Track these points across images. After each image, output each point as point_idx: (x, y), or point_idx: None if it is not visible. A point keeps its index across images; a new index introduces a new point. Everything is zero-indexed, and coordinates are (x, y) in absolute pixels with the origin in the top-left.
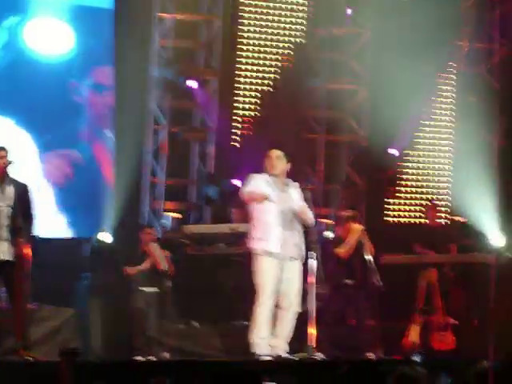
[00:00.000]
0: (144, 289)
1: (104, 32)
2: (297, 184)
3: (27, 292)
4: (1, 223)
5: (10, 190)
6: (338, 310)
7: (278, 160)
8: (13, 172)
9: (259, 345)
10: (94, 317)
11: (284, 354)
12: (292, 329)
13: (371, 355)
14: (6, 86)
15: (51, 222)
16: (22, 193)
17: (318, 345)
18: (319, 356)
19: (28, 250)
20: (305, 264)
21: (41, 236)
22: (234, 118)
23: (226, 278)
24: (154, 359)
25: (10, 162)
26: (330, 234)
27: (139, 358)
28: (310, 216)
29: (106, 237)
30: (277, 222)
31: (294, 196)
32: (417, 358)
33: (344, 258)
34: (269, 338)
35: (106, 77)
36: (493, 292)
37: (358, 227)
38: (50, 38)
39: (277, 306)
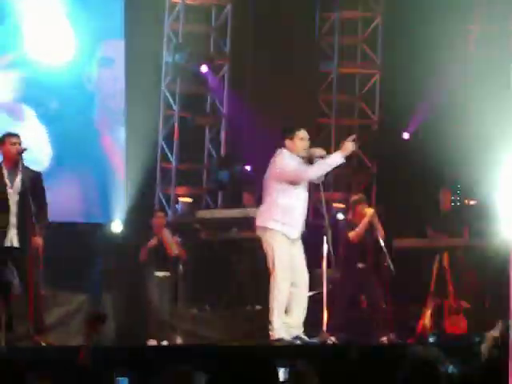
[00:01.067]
0: (156, 273)
1: (116, 17)
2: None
3: (39, 279)
4: (13, 211)
5: (22, 178)
6: (350, 294)
7: (309, 141)
8: (27, 159)
9: (280, 329)
10: (107, 302)
11: (301, 334)
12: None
13: (384, 339)
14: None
15: (66, 208)
16: (35, 181)
17: (331, 329)
18: (332, 340)
19: (39, 238)
20: (318, 248)
21: (55, 221)
22: (246, 102)
23: (239, 263)
24: (167, 344)
25: (23, 150)
26: (340, 216)
27: (152, 342)
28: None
29: (123, 223)
30: (302, 206)
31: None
32: (431, 340)
33: (355, 241)
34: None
35: (115, 50)
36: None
37: (369, 210)
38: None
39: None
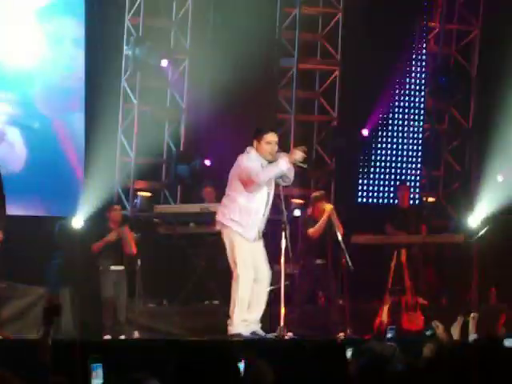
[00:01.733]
0: (113, 267)
1: (75, 8)
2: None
3: None
4: None
5: None
6: (307, 289)
7: (276, 145)
8: None
9: (239, 325)
10: (66, 296)
11: (258, 330)
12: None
13: (341, 335)
14: None
15: (23, 199)
16: None
17: (288, 324)
18: (289, 335)
19: None
20: (276, 244)
21: (13, 213)
22: (205, 97)
23: (198, 258)
24: (124, 338)
25: None
26: (297, 212)
27: (108, 336)
28: (291, 177)
29: (81, 216)
30: (261, 209)
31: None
32: (390, 334)
33: (315, 237)
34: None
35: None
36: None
37: (329, 206)
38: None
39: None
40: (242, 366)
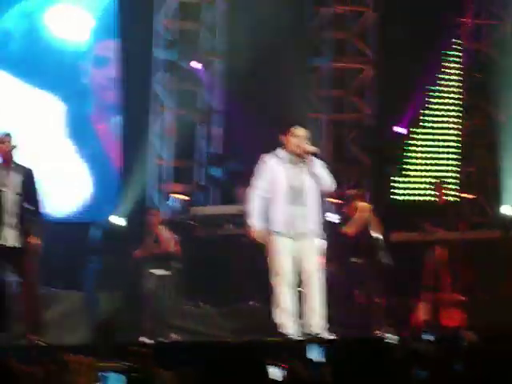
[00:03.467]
0: (154, 271)
1: (108, 14)
2: (315, 158)
3: (36, 278)
4: (8, 210)
5: (16, 176)
6: (346, 288)
7: (304, 140)
8: (18, 157)
9: (284, 324)
10: (103, 300)
11: (320, 331)
12: (321, 304)
13: (380, 333)
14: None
15: (62, 204)
16: (28, 178)
17: (327, 324)
18: (328, 335)
19: (37, 238)
20: None
21: (51, 218)
22: (237, 98)
23: (235, 259)
24: (163, 341)
25: (13, 147)
26: (335, 217)
27: (145, 339)
28: (328, 180)
29: (118, 220)
30: (284, 199)
31: (311, 168)
32: (426, 336)
33: (350, 236)
34: (304, 318)
35: (108, 50)
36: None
37: (364, 205)
38: (70, 24)
39: (300, 285)
40: (273, 369)
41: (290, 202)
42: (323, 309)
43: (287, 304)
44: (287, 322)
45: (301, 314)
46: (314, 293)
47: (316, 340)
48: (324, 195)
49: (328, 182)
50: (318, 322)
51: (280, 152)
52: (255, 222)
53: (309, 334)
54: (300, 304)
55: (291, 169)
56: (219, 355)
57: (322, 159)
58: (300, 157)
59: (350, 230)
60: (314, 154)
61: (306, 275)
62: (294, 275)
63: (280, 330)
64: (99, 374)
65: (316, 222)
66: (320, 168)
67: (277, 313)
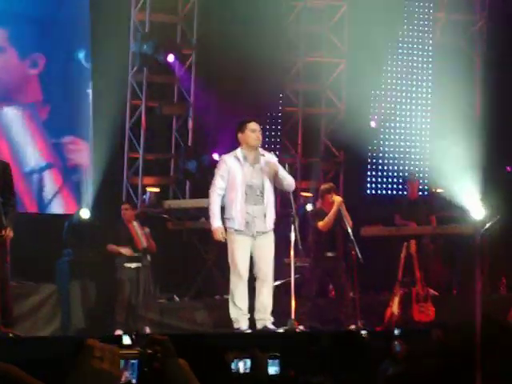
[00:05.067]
0: (127, 264)
1: (81, 5)
2: (271, 154)
3: (8, 270)
4: None
5: None
6: (318, 282)
7: (260, 134)
8: None
9: (238, 320)
10: (75, 293)
11: (270, 326)
12: (271, 300)
13: (352, 327)
14: None
15: (35, 197)
16: (3, 171)
17: (299, 317)
18: (300, 328)
19: (9, 231)
20: (285, 237)
21: (23, 212)
22: (214, 91)
23: (207, 253)
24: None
25: None
26: (309, 207)
27: (120, 332)
28: (289, 180)
29: (85, 213)
30: (242, 198)
31: (268, 166)
32: (397, 332)
33: (325, 230)
34: (256, 312)
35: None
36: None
37: (338, 199)
38: None
39: (255, 280)
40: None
41: (248, 200)
42: (271, 304)
43: (242, 302)
44: (240, 319)
45: (253, 309)
46: (268, 290)
47: (267, 333)
48: (297, 189)
49: (293, 183)
50: (269, 316)
51: (239, 151)
52: (218, 222)
53: (261, 329)
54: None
55: (249, 168)
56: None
57: (292, 153)
58: (258, 151)
59: (324, 224)
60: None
61: (262, 273)
62: (248, 272)
63: (234, 325)
64: (122, 360)
65: (272, 219)
66: (281, 169)
67: (231, 308)
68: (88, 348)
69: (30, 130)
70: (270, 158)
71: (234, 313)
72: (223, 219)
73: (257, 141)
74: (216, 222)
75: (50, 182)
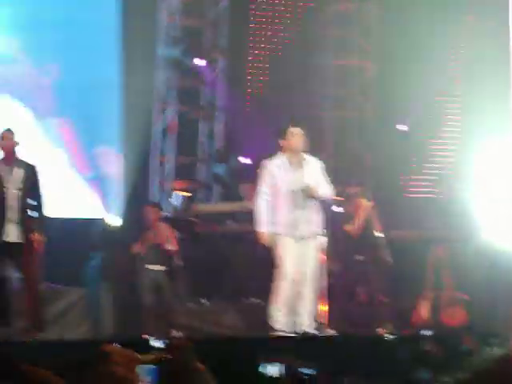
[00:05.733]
0: (151, 267)
1: (110, 9)
2: (315, 159)
3: (38, 274)
4: (10, 205)
5: (19, 172)
6: (348, 286)
7: (302, 138)
8: (21, 153)
9: (279, 321)
10: (103, 296)
11: (310, 330)
12: (314, 305)
13: (382, 331)
14: None
15: (62, 201)
16: (31, 174)
17: (330, 321)
18: (331, 332)
19: (39, 234)
20: None
21: (52, 216)
22: (243, 96)
23: (236, 256)
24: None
25: (16, 143)
26: (338, 210)
27: (147, 336)
28: (324, 190)
29: (119, 217)
30: (285, 203)
31: (310, 172)
32: (427, 333)
33: (353, 234)
34: (294, 315)
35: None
36: None
37: (367, 203)
38: None
39: (297, 285)
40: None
41: (291, 205)
42: (315, 309)
43: (285, 302)
44: (281, 319)
45: (294, 312)
46: (311, 294)
47: (307, 337)
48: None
49: (329, 194)
50: (309, 321)
51: (279, 156)
52: (265, 228)
53: (299, 332)
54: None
55: (291, 172)
56: (219, 351)
57: (322, 159)
58: (300, 156)
59: (353, 228)
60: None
61: (306, 276)
62: (294, 275)
63: (271, 325)
64: (140, 365)
65: (318, 223)
66: (320, 176)
67: (273, 308)
68: (105, 353)
69: (65, 141)
70: (314, 162)
71: (274, 314)
72: (268, 223)
73: (298, 145)
74: (262, 227)
75: (83, 189)
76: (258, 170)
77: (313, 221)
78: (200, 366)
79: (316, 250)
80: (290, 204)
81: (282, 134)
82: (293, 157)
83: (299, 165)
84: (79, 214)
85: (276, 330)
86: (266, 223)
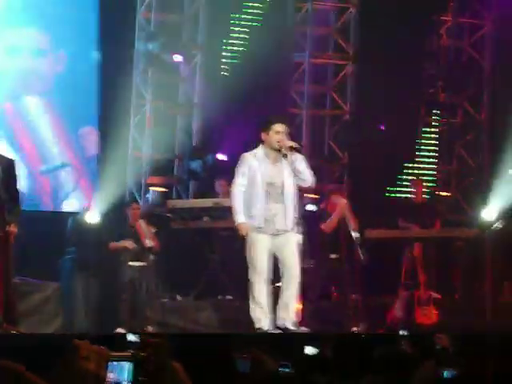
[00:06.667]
0: (131, 263)
1: (87, 3)
2: (296, 154)
3: (11, 267)
4: None
5: None
6: (322, 284)
7: (285, 135)
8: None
9: (260, 319)
10: (79, 291)
11: (291, 326)
12: (294, 300)
13: (355, 329)
14: None
15: (39, 194)
16: (7, 168)
17: (303, 319)
18: (304, 330)
19: (13, 227)
20: None
21: (26, 209)
22: (217, 91)
23: (211, 252)
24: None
25: None
26: (312, 207)
27: (122, 330)
28: (306, 174)
29: (90, 212)
30: (263, 197)
31: (290, 166)
32: (402, 333)
33: (328, 232)
34: (277, 311)
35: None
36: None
37: (342, 201)
38: None
39: (280, 279)
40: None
41: (269, 199)
42: (296, 304)
43: (262, 299)
44: (262, 317)
45: (274, 308)
46: (291, 289)
47: (288, 334)
48: (302, 190)
49: (309, 178)
50: (291, 316)
51: (260, 149)
52: (243, 218)
53: (280, 328)
54: (274, 298)
55: (271, 166)
56: (192, 347)
57: (301, 154)
58: (281, 153)
59: (327, 226)
60: (296, 149)
61: (285, 272)
62: (270, 271)
63: (255, 325)
64: (110, 362)
65: (294, 219)
66: (302, 164)
67: (252, 308)
68: (74, 348)
69: (50, 121)
70: (294, 155)
71: (254, 311)
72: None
73: (278, 143)
74: (239, 218)
75: (69, 177)
76: (238, 162)
77: (289, 215)
78: (177, 365)
79: (294, 244)
80: (267, 197)
81: (265, 127)
82: (272, 150)
83: (278, 158)
84: (69, 205)
85: (256, 328)
86: (242, 213)
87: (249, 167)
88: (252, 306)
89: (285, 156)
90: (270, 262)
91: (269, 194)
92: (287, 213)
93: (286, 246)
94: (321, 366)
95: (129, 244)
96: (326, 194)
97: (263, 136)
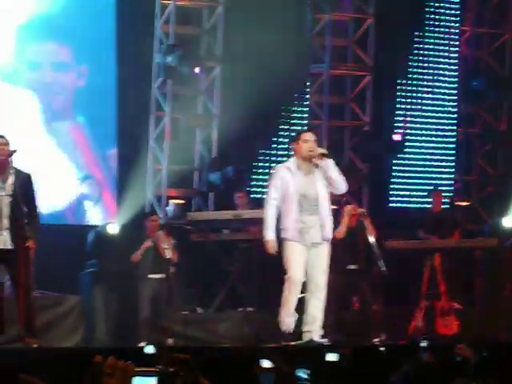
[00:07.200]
0: (151, 276)
1: (106, 18)
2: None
3: (31, 280)
4: (3, 213)
5: (12, 180)
6: (341, 295)
7: (314, 143)
8: (17, 161)
9: (287, 323)
10: (99, 304)
11: (317, 338)
12: (321, 312)
13: (376, 340)
14: None
15: (58, 208)
16: (25, 183)
17: (325, 331)
18: (323, 341)
19: (33, 241)
20: None
21: (47, 222)
22: (237, 103)
23: (231, 264)
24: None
25: (13, 152)
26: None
27: (143, 344)
28: (339, 181)
29: (111, 226)
30: (295, 208)
31: (322, 177)
32: (423, 344)
33: (340, 237)
34: (303, 324)
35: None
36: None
37: (348, 208)
38: None
39: (305, 291)
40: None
41: (302, 211)
42: (322, 316)
43: (292, 308)
44: (291, 323)
45: (302, 320)
46: (319, 302)
47: (313, 346)
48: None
49: (342, 186)
50: (317, 329)
51: (292, 161)
52: (271, 234)
53: (307, 340)
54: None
55: (303, 177)
56: (215, 360)
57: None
58: (312, 163)
59: (338, 233)
60: (326, 156)
61: (314, 285)
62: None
63: (283, 329)
64: (135, 378)
65: (329, 230)
66: (335, 171)
67: (282, 313)
68: (97, 364)
69: (78, 144)
70: (326, 162)
71: (284, 321)
72: (278, 230)
73: (309, 151)
74: (269, 234)
75: (93, 193)
76: (273, 172)
77: (324, 226)
78: (204, 380)
79: (326, 256)
80: (301, 209)
81: (296, 138)
82: (304, 161)
83: (311, 169)
84: (79, 220)
85: (287, 337)
86: (273, 230)
87: (281, 179)
88: (282, 312)
89: (317, 166)
90: (305, 272)
91: (302, 206)
92: (322, 224)
93: (318, 259)
94: (342, 377)
95: (147, 243)
96: (340, 204)
97: (295, 147)
